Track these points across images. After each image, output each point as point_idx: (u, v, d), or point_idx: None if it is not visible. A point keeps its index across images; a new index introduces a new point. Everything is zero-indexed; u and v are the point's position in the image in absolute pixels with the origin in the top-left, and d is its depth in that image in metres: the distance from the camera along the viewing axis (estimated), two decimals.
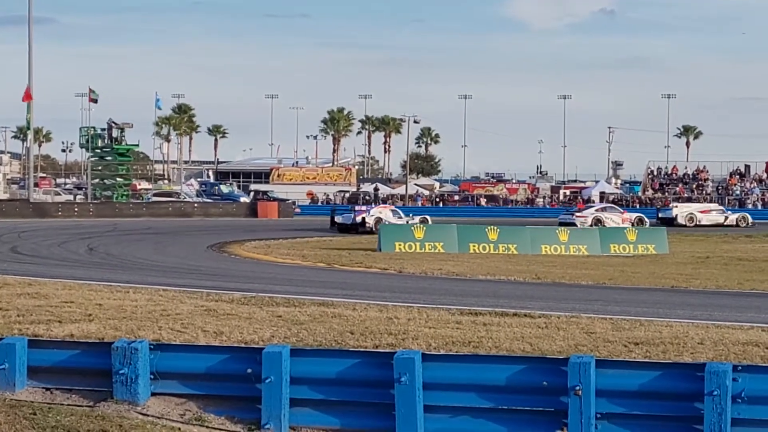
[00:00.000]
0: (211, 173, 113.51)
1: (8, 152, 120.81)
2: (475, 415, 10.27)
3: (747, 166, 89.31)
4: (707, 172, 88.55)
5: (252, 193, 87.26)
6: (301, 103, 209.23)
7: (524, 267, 29.08)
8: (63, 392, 11.09)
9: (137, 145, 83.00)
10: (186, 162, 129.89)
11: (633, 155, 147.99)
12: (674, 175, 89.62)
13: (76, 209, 65.88)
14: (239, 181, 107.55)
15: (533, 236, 37.33)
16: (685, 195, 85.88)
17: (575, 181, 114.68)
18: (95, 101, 77.73)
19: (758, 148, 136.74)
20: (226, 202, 76.01)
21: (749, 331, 14.29)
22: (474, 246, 36.03)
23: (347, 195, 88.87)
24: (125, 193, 74.27)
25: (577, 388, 9.87)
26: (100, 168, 75.77)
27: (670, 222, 56.61)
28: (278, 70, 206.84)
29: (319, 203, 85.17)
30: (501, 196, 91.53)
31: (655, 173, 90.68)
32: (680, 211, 60.46)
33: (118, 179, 74.63)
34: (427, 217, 52.15)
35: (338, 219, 51.79)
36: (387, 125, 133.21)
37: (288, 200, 77.77)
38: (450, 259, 32.25)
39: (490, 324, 14.56)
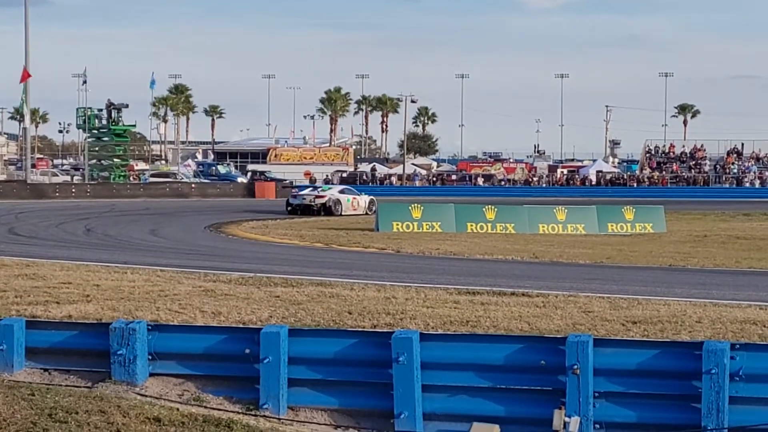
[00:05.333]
0: (209, 152, 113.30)
1: (5, 133, 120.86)
2: (473, 394, 10.28)
3: (743, 145, 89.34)
4: (704, 150, 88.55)
5: (249, 174, 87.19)
6: (298, 83, 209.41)
7: (522, 246, 29.08)
8: (61, 373, 11.09)
9: (134, 126, 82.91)
10: (183, 142, 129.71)
11: (630, 134, 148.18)
12: (671, 153, 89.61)
13: (73, 190, 65.80)
14: (236, 162, 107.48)
15: (531, 215, 37.34)
16: (682, 174, 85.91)
17: (573, 160, 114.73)
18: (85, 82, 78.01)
19: (756, 126, 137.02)
20: (224, 183, 75.95)
21: (747, 309, 14.28)
22: (472, 225, 36.05)
23: (345, 175, 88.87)
24: (122, 173, 74.20)
25: (575, 367, 9.87)
26: (97, 149, 75.65)
27: None
28: (275, 50, 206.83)
29: (317, 183, 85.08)
30: (498, 176, 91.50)
31: (653, 152, 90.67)
32: None
33: (115, 160, 74.55)
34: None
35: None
36: (384, 105, 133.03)
37: (285, 180, 77.70)
38: (448, 238, 32.24)
39: (487, 303, 14.55)
